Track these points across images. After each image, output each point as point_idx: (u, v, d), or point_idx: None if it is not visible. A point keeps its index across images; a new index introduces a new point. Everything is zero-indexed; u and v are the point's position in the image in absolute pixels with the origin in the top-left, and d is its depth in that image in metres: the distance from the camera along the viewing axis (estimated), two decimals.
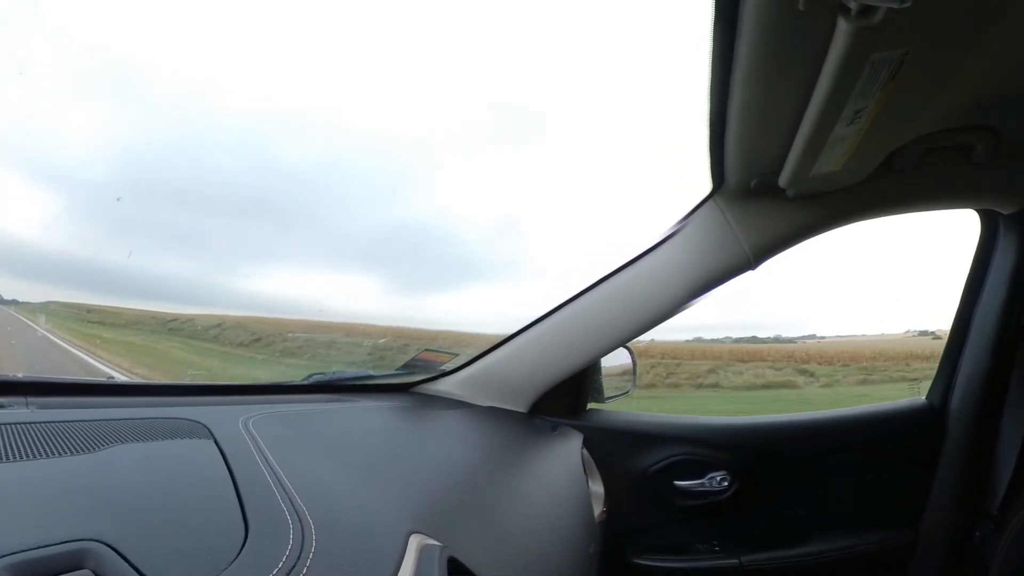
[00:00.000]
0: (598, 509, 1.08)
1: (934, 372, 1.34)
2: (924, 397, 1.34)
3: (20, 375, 0.74)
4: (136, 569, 0.36)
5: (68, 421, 0.60)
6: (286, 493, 0.52)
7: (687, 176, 1.10)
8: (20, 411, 0.64)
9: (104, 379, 0.96)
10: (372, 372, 1.28)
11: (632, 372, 1.33)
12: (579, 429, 1.20)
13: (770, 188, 0.99)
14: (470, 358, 1.26)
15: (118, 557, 0.37)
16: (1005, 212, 1.14)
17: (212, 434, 0.64)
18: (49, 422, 0.58)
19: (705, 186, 1.07)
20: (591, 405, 1.32)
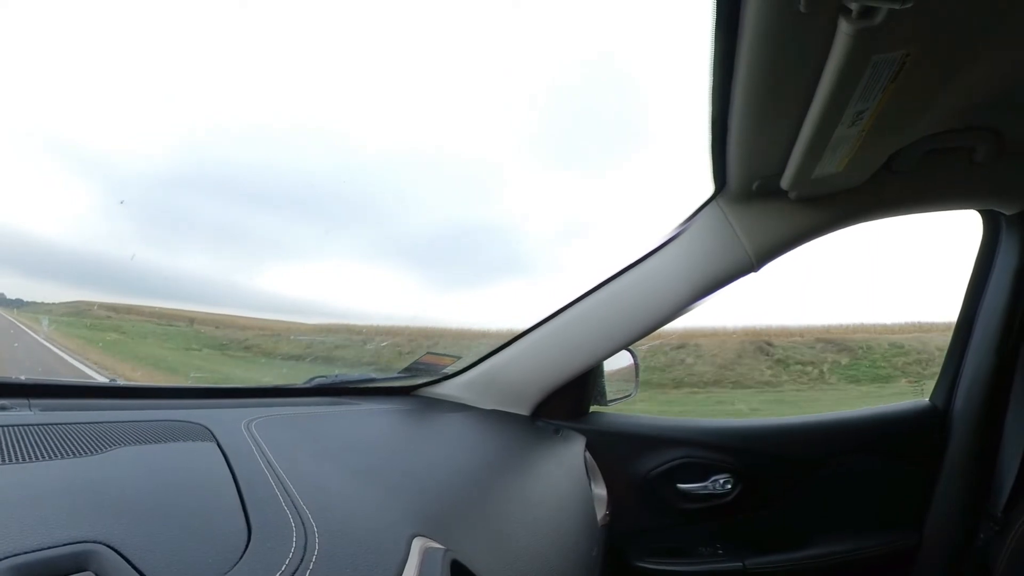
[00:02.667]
0: (601, 512, 1.07)
1: None
2: (928, 399, 1.34)
3: (23, 377, 0.74)
4: (139, 571, 0.36)
5: (71, 423, 0.60)
6: (289, 496, 0.52)
7: (689, 178, 1.10)
8: (23, 413, 0.64)
9: (106, 381, 0.96)
10: (374, 375, 1.28)
11: (635, 375, 1.33)
12: (582, 432, 1.20)
13: (772, 190, 0.99)
14: (473, 361, 1.26)
15: (121, 559, 0.37)
16: (1007, 213, 1.14)
17: (214, 437, 0.64)
18: (52, 424, 0.58)
19: (707, 188, 1.07)
20: (594, 408, 1.32)
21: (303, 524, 0.47)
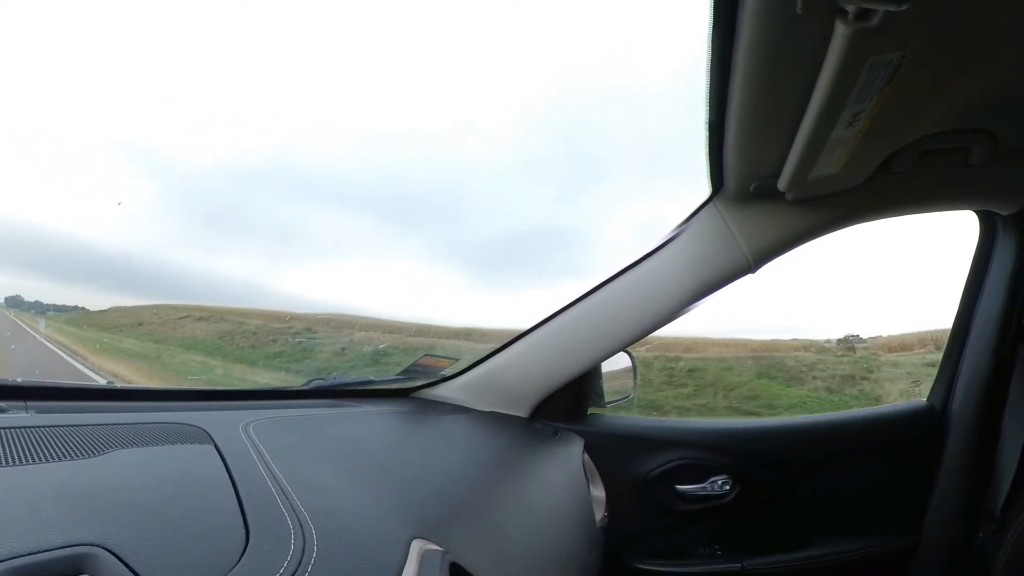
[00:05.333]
0: (599, 514, 1.07)
1: None
2: (925, 399, 1.34)
3: (20, 379, 0.74)
4: (136, 574, 0.36)
5: (68, 426, 0.60)
6: (287, 498, 0.52)
7: (686, 180, 1.10)
8: (20, 415, 0.64)
9: (104, 384, 0.96)
10: (373, 377, 1.28)
11: (633, 376, 1.33)
12: (580, 434, 1.20)
13: (769, 192, 0.99)
14: (471, 363, 1.26)
15: (118, 562, 0.37)
16: (1004, 213, 1.14)
17: (212, 439, 0.64)
18: (49, 427, 0.58)
19: (704, 190, 1.07)
20: (592, 410, 1.32)
21: (301, 526, 0.47)
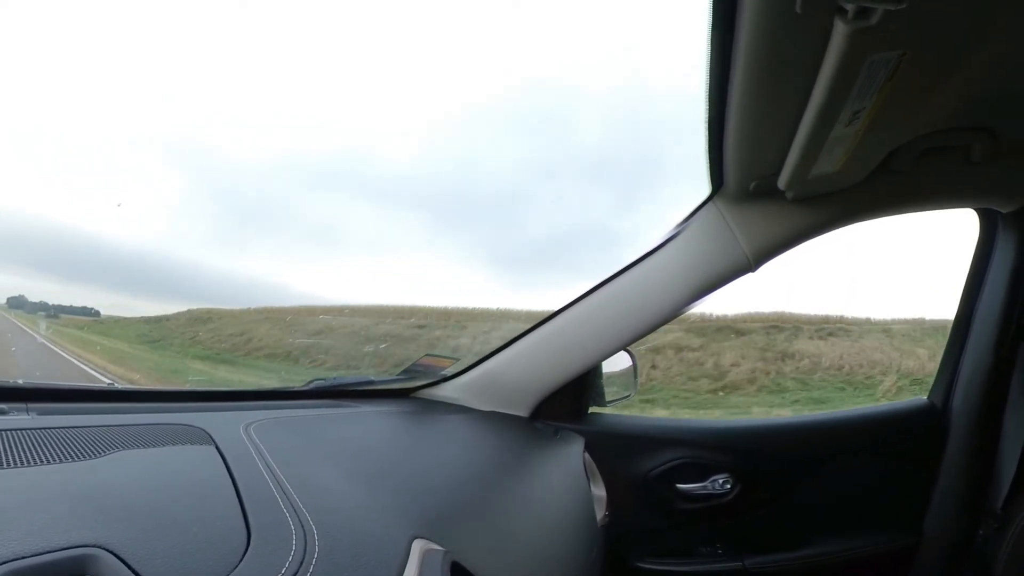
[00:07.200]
0: (600, 513, 1.07)
1: None
2: (926, 397, 1.34)
3: (21, 381, 0.74)
4: (138, 575, 0.36)
5: (69, 427, 0.60)
6: (288, 499, 0.52)
7: (686, 178, 1.10)
8: (21, 417, 0.64)
9: (105, 385, 0.96)
10: (373, 377, 1.28)
11: (633, 375, 1.33)
12: (581, 433, 1.20)
13: (769, 190, 0.99)
14: (471, 363, 1.26)
15: (120, 563, 0.37)
16: (1004, 211, 1.14)
17: (214, 440, 0.64)
18: (50, 428, 0.58)
19: (704, 189, 1.07)
20: (592, 409, 1.32)
21: (303, 527, 0.47)
